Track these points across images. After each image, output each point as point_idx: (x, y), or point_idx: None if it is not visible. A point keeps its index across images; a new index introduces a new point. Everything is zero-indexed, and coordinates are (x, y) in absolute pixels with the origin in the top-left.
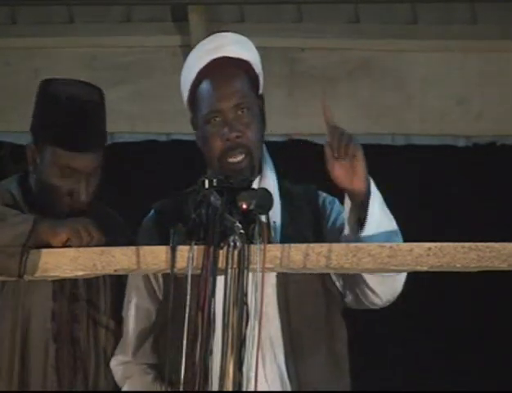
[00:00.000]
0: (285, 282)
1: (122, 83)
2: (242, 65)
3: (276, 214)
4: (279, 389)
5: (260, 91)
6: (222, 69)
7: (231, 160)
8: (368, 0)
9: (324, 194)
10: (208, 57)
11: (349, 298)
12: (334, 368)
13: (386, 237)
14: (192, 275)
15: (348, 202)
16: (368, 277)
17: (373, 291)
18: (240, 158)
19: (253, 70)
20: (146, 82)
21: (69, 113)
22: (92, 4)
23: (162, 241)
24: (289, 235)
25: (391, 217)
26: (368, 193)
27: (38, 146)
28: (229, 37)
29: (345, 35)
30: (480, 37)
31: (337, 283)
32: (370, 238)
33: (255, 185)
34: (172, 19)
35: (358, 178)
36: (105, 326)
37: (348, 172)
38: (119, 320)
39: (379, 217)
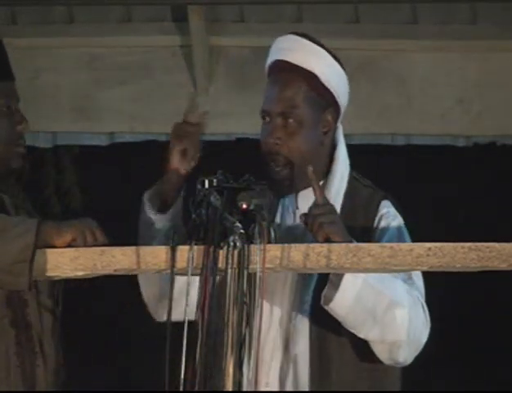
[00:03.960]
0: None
1: (122, 83)
2: (305, 76)
3: None
4: None
5: (337, 106)
6: (282, 73)
7: (272, 164)
8: (368, 0)
9: (386, 208)
10: (274, 57)
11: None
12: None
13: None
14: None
15: None
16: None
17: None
18: (280, 168)
19: (321, 83)
20: (146, 82)
21: None
22: (92, 4)
23: None
24: None
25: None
26: None
27: None
28: (299, 42)
29: (345, 35)
30: (480, 37)
31: None
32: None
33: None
34: (172, 19)
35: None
36: (50, 309)
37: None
38: (57, 302)
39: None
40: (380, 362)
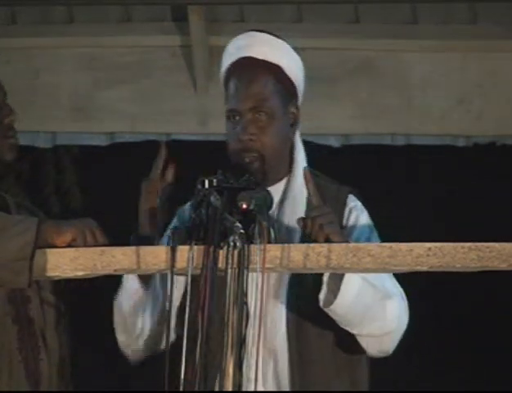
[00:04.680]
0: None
1: (122, 83)
2: (271, 69)
3: (301, 212)
4: None
5: (297, 99)
6: (247, 69)
7: (245, 160)
8: (368, 0)
9: (353, 202)
10: (236, 55)
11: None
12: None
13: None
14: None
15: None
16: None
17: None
18: (251, 159)
19: (285, 75)
20: (146, 82)
21: None
22: (92, 4)
23: None
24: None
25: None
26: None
27: None
28: (261, 37)
29: (345, 35)
30: (480, 37)
31: None
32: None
33: (282, 185)
34: (172, 19)
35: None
36: (53, 304)
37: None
38: (59, 297)
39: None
40: (358, 353)
